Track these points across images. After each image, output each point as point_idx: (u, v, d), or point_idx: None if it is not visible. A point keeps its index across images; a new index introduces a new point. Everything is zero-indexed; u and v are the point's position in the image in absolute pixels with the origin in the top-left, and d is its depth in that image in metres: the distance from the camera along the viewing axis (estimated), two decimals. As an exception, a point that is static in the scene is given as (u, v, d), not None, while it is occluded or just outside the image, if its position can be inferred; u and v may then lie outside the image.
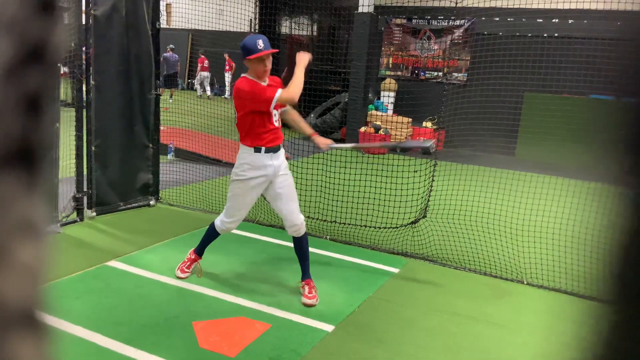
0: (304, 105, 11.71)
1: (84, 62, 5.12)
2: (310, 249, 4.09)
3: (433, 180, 5.39)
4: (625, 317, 0.34)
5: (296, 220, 3.82)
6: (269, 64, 3.62)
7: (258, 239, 5.10)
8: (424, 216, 5.32)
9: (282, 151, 3.82)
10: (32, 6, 0.33)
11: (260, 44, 3.55)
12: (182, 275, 4.10)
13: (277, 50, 3.75)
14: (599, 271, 0.35)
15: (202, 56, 17.12)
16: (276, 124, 3.72)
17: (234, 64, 16.61)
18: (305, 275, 3.93)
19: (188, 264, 4.16)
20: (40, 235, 0.34)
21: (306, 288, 3.88)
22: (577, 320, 0.37)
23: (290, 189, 3.84)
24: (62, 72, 6.63)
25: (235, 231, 5.27)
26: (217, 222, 4.01)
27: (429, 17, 11.48)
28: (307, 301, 3.80)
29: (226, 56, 16.91)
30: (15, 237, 0.33)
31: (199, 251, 4.17)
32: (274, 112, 3.68)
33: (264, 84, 3.65)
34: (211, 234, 4.09)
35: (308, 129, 3.93)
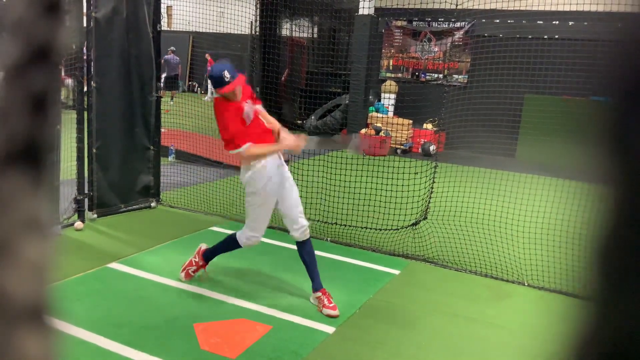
0: (305, 107, 11.75)
1: (85, 64, 5.13)
2: (311, 251, 4.10)
3: (434, 182, 5.39)
4: (606, 315, 0.35)
5: (303, 222, 3.77)
6: (239, 94, 3.59)
7: (259, 240, 5.09)
8: (425, 218, 5.32)
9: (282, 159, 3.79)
10: (38, 8, 0.33)
11: (227, 75, 3.49)
12: (186, 279, 4.09)
13: (244, 78, 3.66)
14: (582, 269, 0.36)
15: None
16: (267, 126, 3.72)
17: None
18: (319, 283, 3.79)
19: (194, 268, 4.08)
20: (46, 233, 0.34)
21: (324, 299, 3.73)
22: (562, 317, 0.38)
23: (295, 195, 3.80)
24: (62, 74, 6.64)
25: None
26: (243, 238, 3.84)
27: (429, 19, 11.49)
28: (332, 312, 3.65)
29: (207, 57, 16.86)
30: (22, 234, 0.33)
31: (208, 258, 4.08)
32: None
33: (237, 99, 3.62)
34: (230, 245, 3.96)
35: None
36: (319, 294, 3.77)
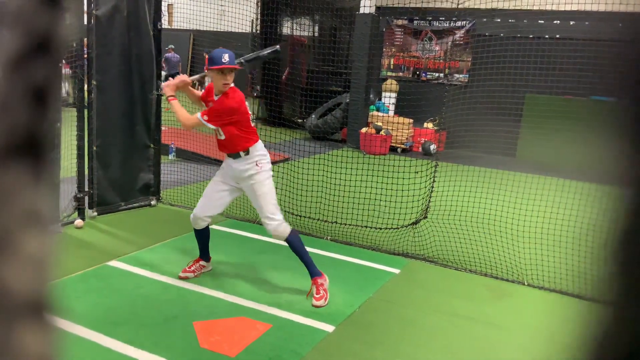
0: (305, 105, 11.74)
1: (85, 62, 5.12)
2: (311, 250, 4.09)
3: (434, 181, 5.39)
4: (622, 318, 0.35)
5: (267, 227, 3.85)
6: (229, 79, 3.68)
7: (258, 239, 5.10)
8: (425, 217, 5.32)
9: (236, 160, 3.84)
10: (38, -2, 0.33)
11: (226, 58, 3.62)
12: (195, 277, 4.14)
13: (238, 67, 3.74)
14: (596, 272, 0.36)
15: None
16: (219, 137, 3.84)
17: None
18: (312, 274, 3.90)
19: (199, 271, 4.21)
20: (46, 226, 0.34)
21: (313, 289, 3.87)
22: (573, 321, 0.37)
23: (253, 198, 3.87)
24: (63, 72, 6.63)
25: (235, 231, 5.28)
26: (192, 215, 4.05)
27: (430, 18, 11.48)
28: (314, 302, 3.78)
29: (205, 55, 16.79)
30: (22, 227, 0.33)
31: (204, 256, 4.22)
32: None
33: (216, 97, 3.78)
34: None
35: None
36: (311, 284, 3.92)
